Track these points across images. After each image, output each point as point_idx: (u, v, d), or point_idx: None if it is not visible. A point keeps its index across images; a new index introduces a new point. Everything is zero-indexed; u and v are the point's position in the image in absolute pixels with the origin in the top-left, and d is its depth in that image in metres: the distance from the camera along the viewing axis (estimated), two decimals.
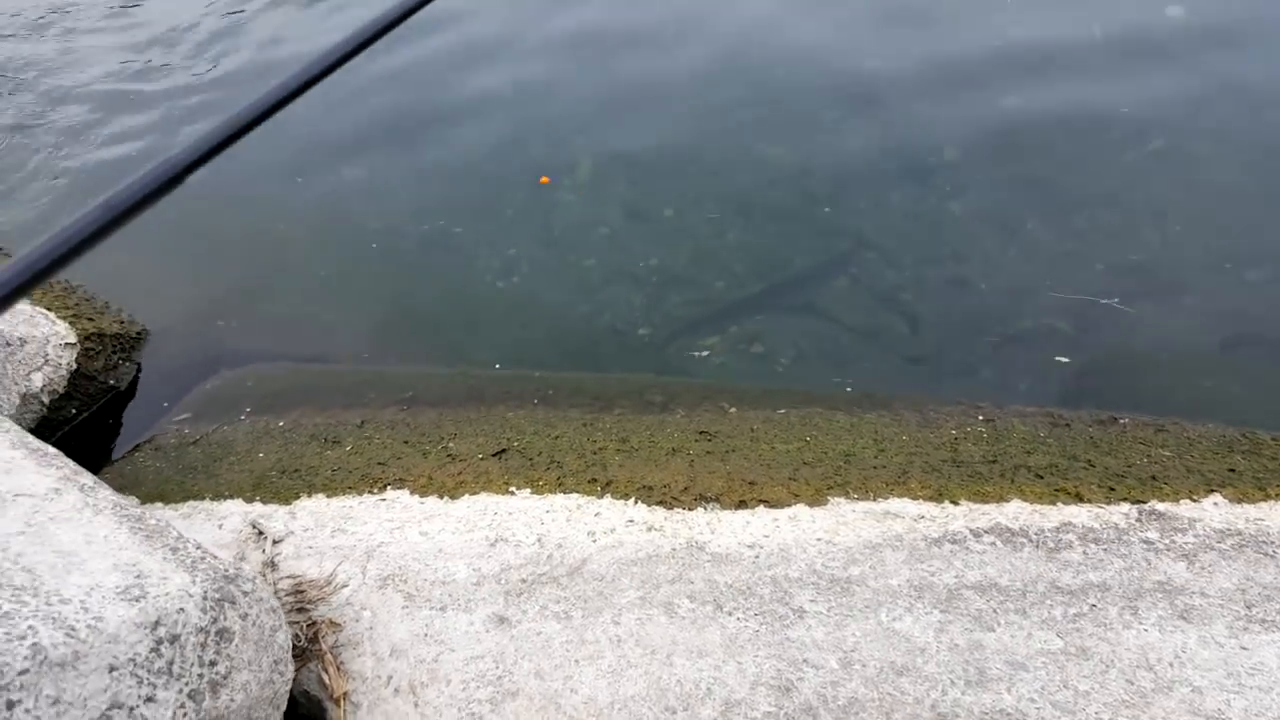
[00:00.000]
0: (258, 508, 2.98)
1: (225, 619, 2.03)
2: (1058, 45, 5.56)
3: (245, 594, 2.15)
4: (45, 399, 3.48)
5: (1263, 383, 3.46)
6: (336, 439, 3.35)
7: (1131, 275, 3.97)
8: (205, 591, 2.03)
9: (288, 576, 2.63)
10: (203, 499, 3.08)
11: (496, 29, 6.63)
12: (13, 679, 1.62)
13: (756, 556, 2.60)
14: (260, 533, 2.82)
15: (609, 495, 2.94)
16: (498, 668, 2.27)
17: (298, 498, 3.01)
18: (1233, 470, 2.83)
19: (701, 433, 3.27)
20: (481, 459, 3.16)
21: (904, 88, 5.35)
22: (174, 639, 1.86)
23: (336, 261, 4.56)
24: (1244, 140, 4.64)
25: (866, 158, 4.85)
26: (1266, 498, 2.71)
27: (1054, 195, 4.43)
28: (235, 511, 2.97)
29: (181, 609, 1.94)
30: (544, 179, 4.93)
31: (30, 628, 1.70)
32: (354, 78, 6.16)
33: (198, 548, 2.22)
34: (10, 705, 1.61)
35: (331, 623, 2.47)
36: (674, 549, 2.66)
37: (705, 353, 3.90)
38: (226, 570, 2.16)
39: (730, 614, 2.39)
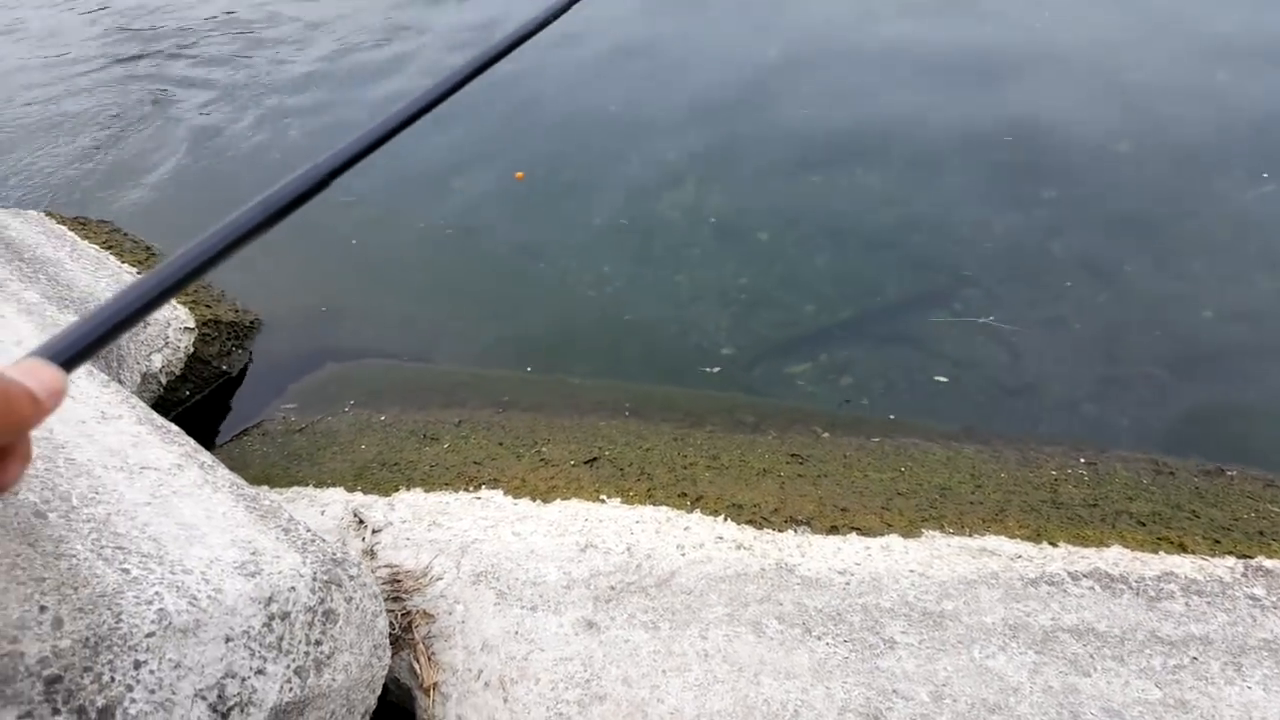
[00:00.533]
0: (358, 497, 3.09)
1: (332, 600, 2.11)
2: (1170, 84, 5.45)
3: (351, 578, 2.23)
4: (163, 379, 3.66)
5: None
6: (435, 436, 3.44)
7: (1239, 321, 3.86)
8: (315, 573, 2.11)
9: (385, 565, 2.71)
10: (306, 485, 3.19)
11: (604, 45, 6.77)
12: (140, 640, 1.71)
13: (847, 583, 2.59)
14: (361, 521, 2.91)
15: (698, 510, 2.97)
16: (586, 671, 2.30)
17: (396, 490, 3.11)
18: None
19: (793, 455, 3.28)
20: (573, 465, 3.22)
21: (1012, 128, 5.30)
22: (285, 615, 1.94)
23: (443, 268, 4.70)
24: None
25: (968, 191, 4.82)
26: None
27: (1161, 236, 4.34)
28: (337, 499, 3.07)
29: (293, 587, 2.02)
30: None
31: (157, 593, 1.80)
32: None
33: (308, 530, 2.32)
34: (138, 665, 1.69)
35: (425, 613, 2.54)
36: (763, 569, 2.67)
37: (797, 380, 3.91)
38: (334, 554, 2.25)
39: (819, 638, 2.39)
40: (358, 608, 2.20)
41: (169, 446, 2.44)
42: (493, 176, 5.40)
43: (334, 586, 2.15)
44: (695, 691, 2.24)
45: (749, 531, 2.85)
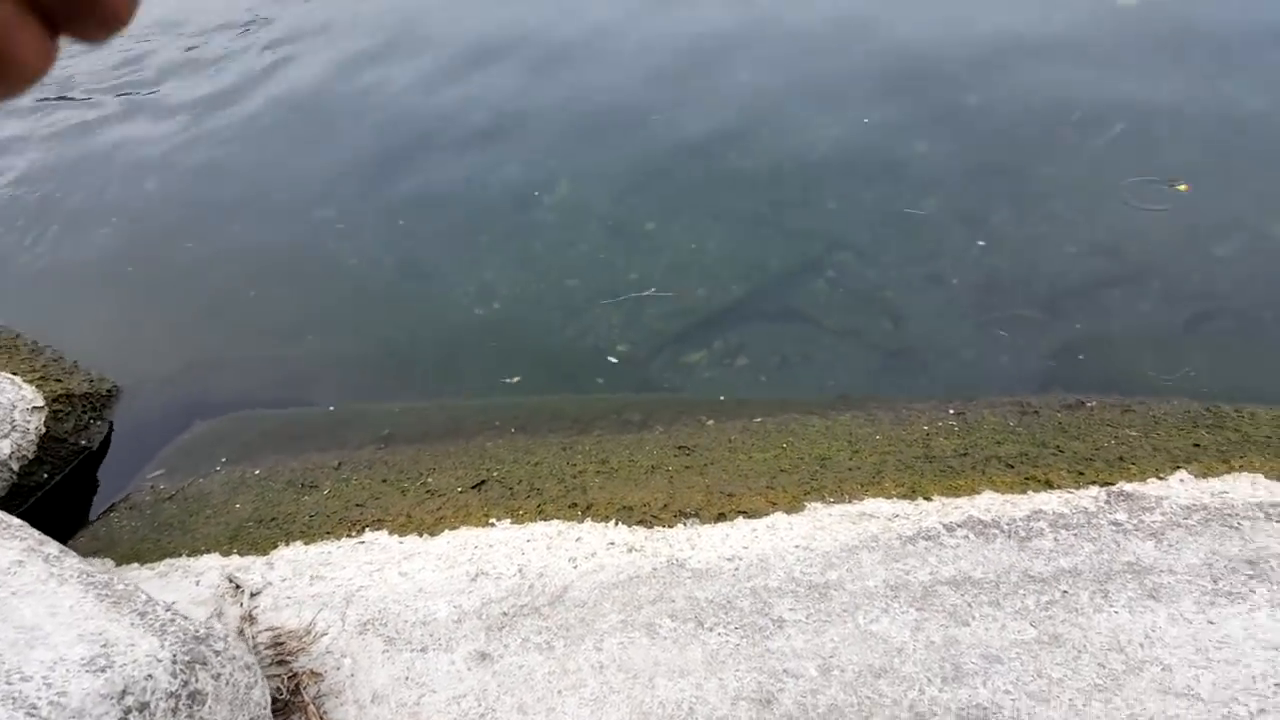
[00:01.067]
0: (235, 560, 2.98)
1: (197, 681, 2.03)
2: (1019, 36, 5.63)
3: (217, 653, 2.15)
4: (15, 465, 3.47)
5: (1226, 356, 3.49)
6: (313, 483, 3.35)
7: (1098, 255, 4.01)
8: (175, 655, 2.03)
9: (266, 629, 2.62)
10: (179, 556, 3.07)
11: (458, 49, 6.65)
12: None
13: (736, 569, 2.61)
14: (237, 586, 2.81)
15: (589, 519, 2.95)
16: (480, 706, 2.27)
17: (275, 547, 3.01)
18: (1197, 445, 2.86)
19: (680, 448, 3.29)
20: (461, 492, 3.17)
21: (868, 87, 5.40)
22: (143, 707, 1.86)
23: (308, 302, 4.54)
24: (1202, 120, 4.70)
25: (836, 158, 4.89)
26: (1230, 470, 2.74)
27: (1022, 184, 4.48)
28: (212, 566, 2.96)
29: (150, 675, 1.94)
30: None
31: None
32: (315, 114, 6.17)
33: (167, 609, 2.22)
34: None
35: (312, 673, 2.47)
36: (655, 568, 2.67)
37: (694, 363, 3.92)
38: (197, 631, 2.16)
39: (711, 630, 2.40)
40: (228, 683, 2.12)
41: (7, 543, 2.31)
42: (360, 199, 5.25)
43: (198, 666, 2.07)
44: (591, 707, 2.23)
45: (640, 532, 2.85)
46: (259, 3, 7.97)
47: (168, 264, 4.94)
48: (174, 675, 1.98)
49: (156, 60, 7.42)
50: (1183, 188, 4.30)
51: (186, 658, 2.05)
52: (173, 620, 2.18)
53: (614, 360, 3.94)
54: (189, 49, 7.50)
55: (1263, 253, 3.85)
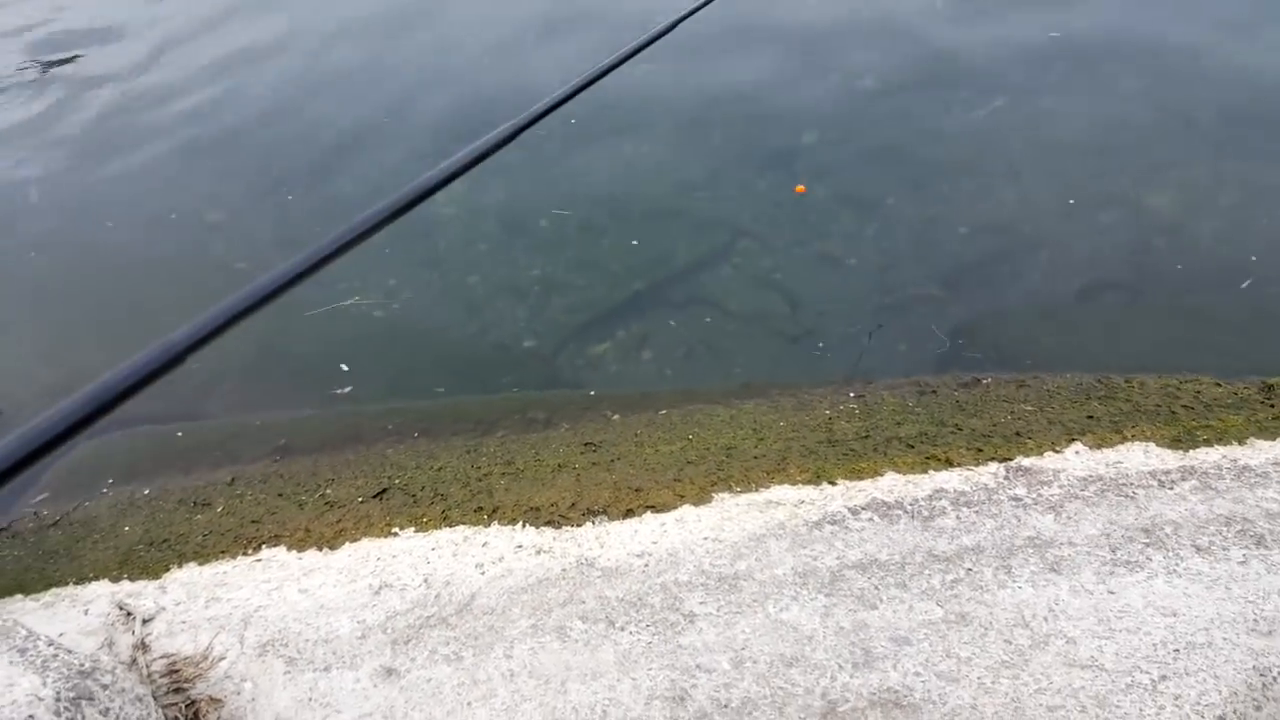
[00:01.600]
0: (125, 586, 2.83)
1: (83, 718, 1.91)
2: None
3: (105, 687, 2.03)
4: None
5: (1117, 326, 3.61)
6: (206, 501, 3.20)
7: (991, 233, 4.09)
8: (58, 692, 1.91)
9: (161, 656, 2.50)
10: (66, 584, 2.90)
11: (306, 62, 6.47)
12: None
13: (646, 565, 2.58)
14: (128, 613, 2.67)
15: (496, 522, 2.89)
16: None
17: (168, 570, 2.87)
18: (1091, 417, 2.94)
19: (586, 444, 3.25)
20: (362, 502, 3.07)
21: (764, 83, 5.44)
22: None
23: (194, 310, 4.34)
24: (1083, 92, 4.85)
25: (731, 149, 4.90)
26: (1124, 439, 2.82)
27: (913, 164, 4.55)
28: (101, 594, 2.81)
29: (31, 716, 1.82)
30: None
31: None
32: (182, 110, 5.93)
33: (50, 644, 2.10)
34: None
35: (212, 699, 2.36)
36: (564, 569, 2.62)
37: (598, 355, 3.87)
38: (82, 665, 2.05)
39: (623, 629, 2.37)
40: (118, 717, 2.01)
41: None
42: (250, 202, 5.05)
43: (84, 702, 1.95)
44: (503, 717, 2.18)
45: (548, 533, 2.80)
46: None
47: (40, 277, 4.68)
48: (58, 714, 1.87)
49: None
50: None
51: (71, 694, 1.94)
52: (55, 655, 2.06)
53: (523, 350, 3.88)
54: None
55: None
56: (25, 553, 3.15)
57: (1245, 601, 2.22)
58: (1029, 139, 4.63)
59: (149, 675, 2.45)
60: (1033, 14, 5.79)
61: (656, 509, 2.81)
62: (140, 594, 2.78)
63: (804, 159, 4.75)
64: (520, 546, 2.75)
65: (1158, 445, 2.80)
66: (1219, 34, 5.34)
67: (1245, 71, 4.94)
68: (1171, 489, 2.60)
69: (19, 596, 2.93)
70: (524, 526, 2.85)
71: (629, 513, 2.82)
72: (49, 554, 3.10)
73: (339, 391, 3.79)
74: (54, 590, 2.90)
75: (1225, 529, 2.44)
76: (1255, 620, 2.17)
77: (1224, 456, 2.73)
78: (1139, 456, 2.76)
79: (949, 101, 5.00)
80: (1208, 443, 2.80)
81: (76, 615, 2.74)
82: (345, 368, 3.91)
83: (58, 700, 1.90)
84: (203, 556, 2.91)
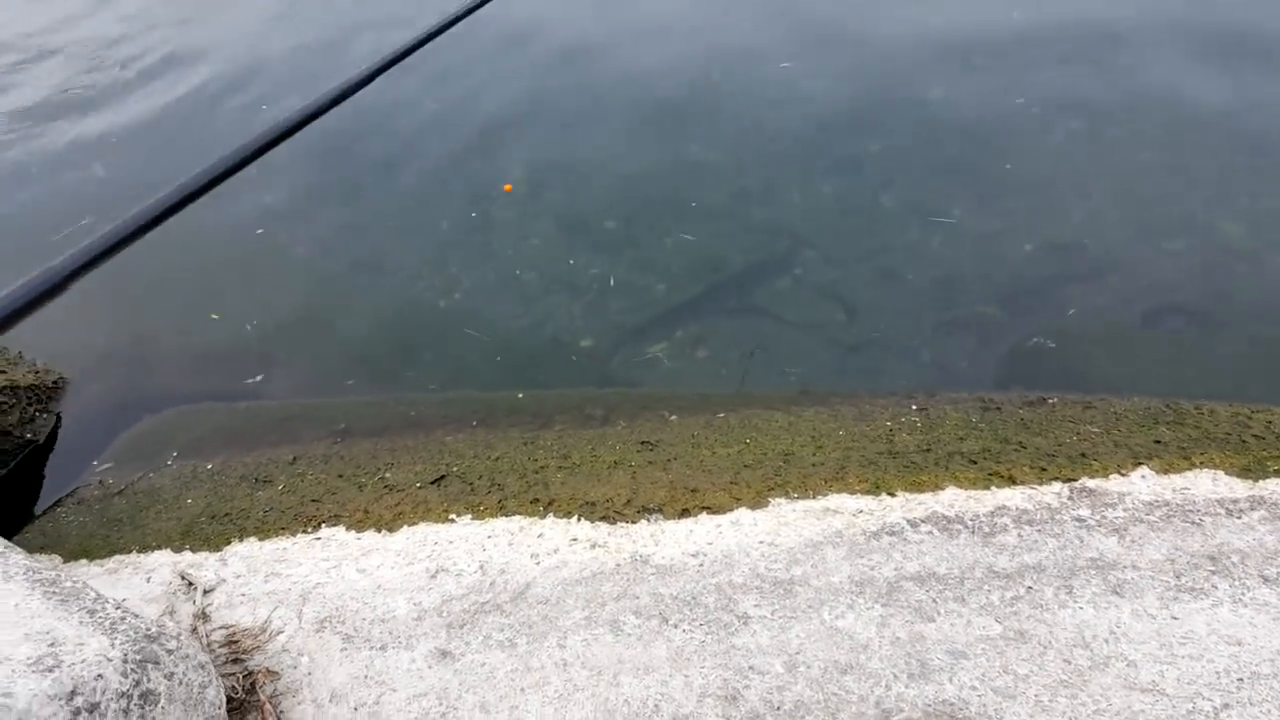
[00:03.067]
0: (187, 557, 2.89)
1: (149, 680, 1.96)
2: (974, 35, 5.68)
3: (170, 652, 2.08)
4: None
5: (1184, 352, 3.54)
6: (268, 478, 3.26)
7: (1057, 251, 4.04)
8: (126, 654, 1.96)
9: (220, 627, 2.55)
10: (129, 552, 2.97)
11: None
12: None
13: (700, 565, 2.58)
14: (190, 583, 2.73)
15: (551, 514, 2.91)
16: (441, 704, 2.22)
17: (229, 543, 2.93)
18: (1158, 442, 2.89)
19: (643, 443, 3.25)
20: (420, 487, 3.11)
21: (826, 85, 5.42)
22: (93, 707, 1.78)
23: (262, 292, 4.44)
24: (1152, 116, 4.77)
25: (796, 154, 4.89)
26: (1191, 466, 2.77)
27: (980, 180, 4.50)
28: (164, 563, 2.87)
29: (100, 675, 1.86)
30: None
31: None
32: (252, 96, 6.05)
33: (117, 607, 2.15)
34: None
35: (269, 671, 2.40)
36: (618, 564, 2.63)
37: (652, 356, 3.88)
38: (148, 629, 2.09)
39: (676, 626, 2.37)
40: (181, 682, 2.05)
41: None
42: (316, 187, 5.14)
43: (150, 665, 2.00)
44: (555, 705, 2.19)
45: (603, 528, 2.81)
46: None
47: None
48: (125, 675, 1.91)
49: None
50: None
51: (138, 657, 1.98)
52: (123, 618, 2.11)
53: (573, 358, 3.91)
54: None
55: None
56: (91, 518, 3.23)
57: None
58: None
59: (209, 644, 2.50)
60: None
61: (712, 510, 2.81)
62: (201, 565, 2.84)
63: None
64: (575, 540, 2.77)
65: (1226, 474, 2.74)
66: None
67: None
68: (1240, 518, 2.55)
69: (84, 562, 3.01)
70: (579, 520, 2.86)
71: (684, 512, 2.82)
72: (113, 521, 3.18)
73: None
74: (118, 557, 2.98)
75: None
76: None
77: None
78: (1207, 484, 2.70)
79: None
80: (1278, 474, 2.74)
81: (139, 582, 2.81)
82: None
83: (125, 661, 1.94)
84: (263, 532, 2.97)
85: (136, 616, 2.15)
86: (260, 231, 4.86)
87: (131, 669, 1.94)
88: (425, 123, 5.65)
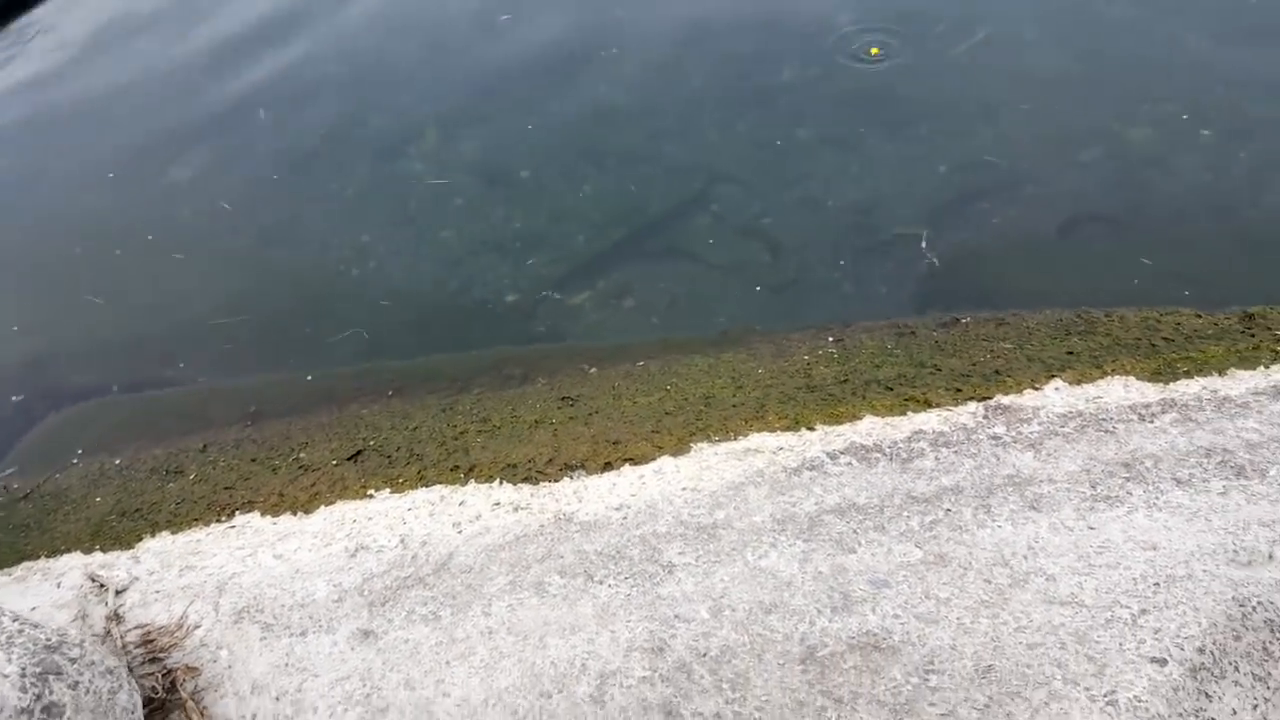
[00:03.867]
0: (98, 557, 2.79)
1: (51, 693, 1.88)
2: None
3: (73, 661, 2.00)
4: None
5: (1097, 261, 3.55)
6: (179, 469, 3.15)
7: (968, 171, 4.01)
8: (24, 668, 1.87)
9: (135, 627, 2.46)
10: (38, 558, 2.86)
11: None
12: None
13: (624, 518, 2.56)
14: (101, 585, 2.63)
15: (473, 481, 2.86)
16: (365, 685, 2.17)
17: (141, 539, 2.83)
18: (1070, 353, 2.91)
19: (564, 399, 3.20)
20: (336, 465, 3.03)
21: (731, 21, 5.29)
22: None
23: (169, 274, 4.23)
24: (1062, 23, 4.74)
25: (707, 92, 4.78)
26: (1103, 374, 2.80)
27: (892, 106, 4.44)
28: (74, 566, 2.77)
29: None
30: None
31: None
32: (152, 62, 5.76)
33: (15, 620, 2.06)
34: None
35: (188, 668, 2.33)
36: (542, 525, 2.59)
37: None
38: (48, 640, 2.01)
39: (601, 582, 2.34)
40: (88, 691, 1.98)
41: None
42: (218, 159, 4.90)
43: (51, 677, 1.91)
44: (482, 674, 2.15)
45: (525, 490, 2.77)
46: None
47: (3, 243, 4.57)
48: (24, 690, 1.83)
49: None
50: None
51: (37, 669, 1.90)
52: (20, 631, 2.02)
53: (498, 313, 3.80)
54: None
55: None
56: None
57: (1225, 533, 2.21)
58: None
59: (123, 646, 2.42)
60: None
61: (635, 461, 2.78)
62: (113, 565, 2.74)
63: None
64: (498, 504, 2.72)
65: (1138, 379, 2.78)
66: None
67: None
68: (1152, 422, 2.58)
69: None
70: (501, 484, 2.81)
71: (607, 466, 2.79)
72: (19, 528, 3.06)
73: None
74: (26, 564, 2.87)
75: (1205, 461, 2.42)
76: (1235, 551, 2.16)
77: (1204, 388, 2.71)
78: (1119, 391, 2.73)
79: None
80: (1188, 374, 2.78)
81: (49, 589, 2.70)
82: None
83: (23, 676, 1.86)
84: (176, 525, 2.87)
85: (36, 627, 2.06)
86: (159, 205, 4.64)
87: (31, 683, 1.86)
88: (325, 83, 5.42)
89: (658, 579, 2.32)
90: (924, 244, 3.59)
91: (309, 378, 3.59)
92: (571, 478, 2.78)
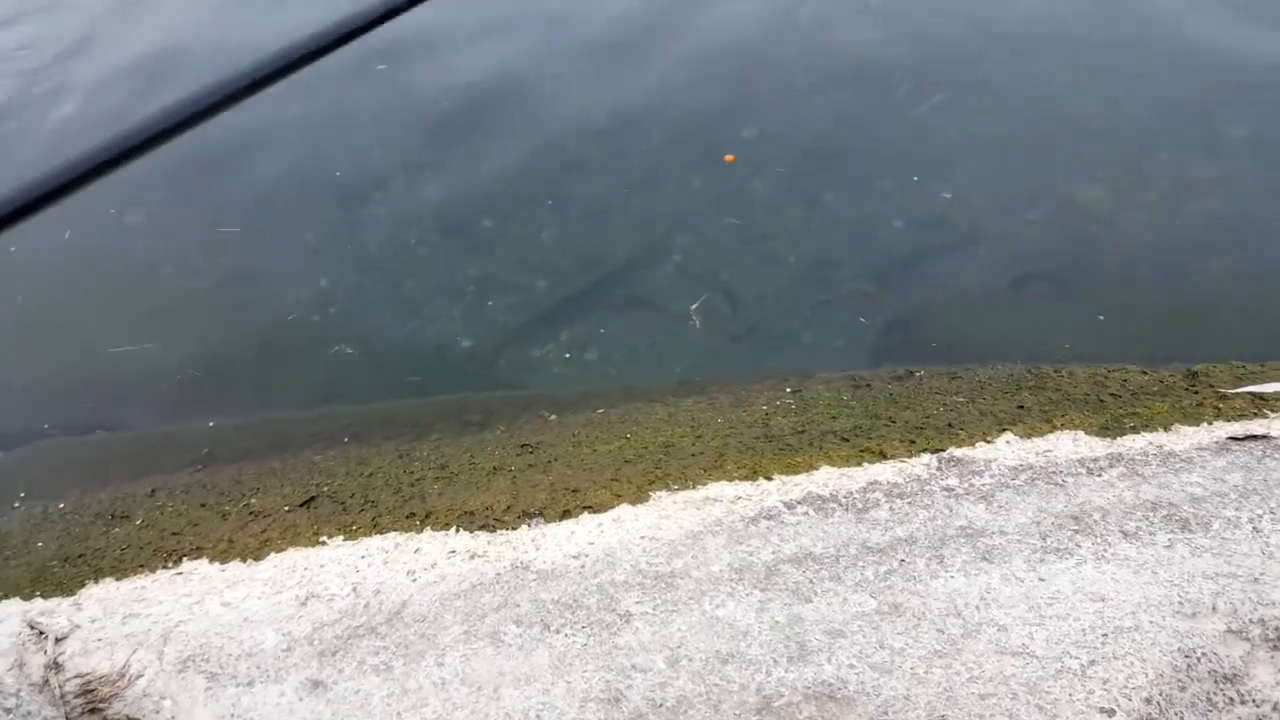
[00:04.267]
0: (38, 604, 2.71)
1: None
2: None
3: (8, 711, 1.94)
4: None
5: (1046, 318, 3.64)
6: (125, 513, 3.08)
7: (926, 227, 4.10)
8: None
9: (75, 676, 2.39)
10: None
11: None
12: None
13: (582, 566, 2.54)
14: (40, 633, 2.55)
15: (429, 528, 2.83)
16: None
17: (83, 586, 2.75)
18: (1021, 407, 2.97)
19: (523, 446, 3.19)
20: (288, 511, 2.98)
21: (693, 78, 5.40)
22: None
23: (121, 316, 4.17)
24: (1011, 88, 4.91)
25: (671, 147, 4.86)
26: (1053, 428, 2.86)
27: (850, 161, 4.55)
28: (12, 613, 2.68)
29: None
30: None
31: None
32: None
33: None
34: None
35: (130, 718, 2.26)
36: (498, 574, 2.57)
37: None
38: None
39: (558, 632, 2.32)
40: None
41: None
42: (176, 200, 4.85)
43: None
44: None
45: (482, 537, 2.75)
46: None
47: None
48: None
49: None
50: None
51: None
52: None
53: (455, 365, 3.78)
54: None
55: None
56: None
57: (1171, 585, 2.25)
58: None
59: (62, 696, 2.34)
60: None
61: (594, 509, 2.77)
62: (54, 612, 2.66)
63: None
64: (454, 552, 2.69)
65: (1086, 433, 2.84)
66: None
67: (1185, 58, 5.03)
68: (1100, 476, 2.64)
69: None
70: (458, 531, 2.79)
71: (565, 514, 2.78)
72: None
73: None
74: None
75: (1151, 514, 2.48)
76: (1180, 603, 2.20)
77: (1150, 443, 2.78)
78: (1068, 445, 2.79)
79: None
80: (1135, 430, 2.85)
81: None
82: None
83: None
84: (120, 571, 2.80)
85: None
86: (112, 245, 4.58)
87: None
88: (287, 130, 5.42)
89: (615, 628, 2.30)
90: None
91: (264, 420, 3.55)
92: (529, 525, 2.77)
